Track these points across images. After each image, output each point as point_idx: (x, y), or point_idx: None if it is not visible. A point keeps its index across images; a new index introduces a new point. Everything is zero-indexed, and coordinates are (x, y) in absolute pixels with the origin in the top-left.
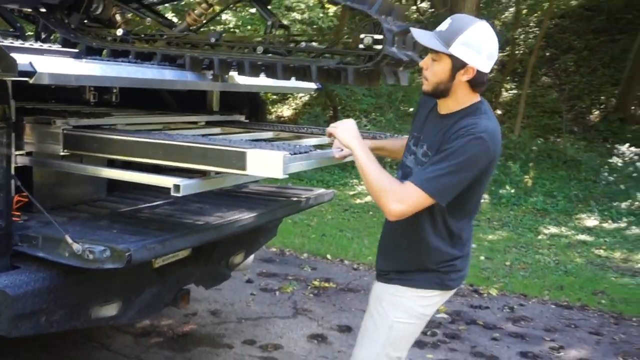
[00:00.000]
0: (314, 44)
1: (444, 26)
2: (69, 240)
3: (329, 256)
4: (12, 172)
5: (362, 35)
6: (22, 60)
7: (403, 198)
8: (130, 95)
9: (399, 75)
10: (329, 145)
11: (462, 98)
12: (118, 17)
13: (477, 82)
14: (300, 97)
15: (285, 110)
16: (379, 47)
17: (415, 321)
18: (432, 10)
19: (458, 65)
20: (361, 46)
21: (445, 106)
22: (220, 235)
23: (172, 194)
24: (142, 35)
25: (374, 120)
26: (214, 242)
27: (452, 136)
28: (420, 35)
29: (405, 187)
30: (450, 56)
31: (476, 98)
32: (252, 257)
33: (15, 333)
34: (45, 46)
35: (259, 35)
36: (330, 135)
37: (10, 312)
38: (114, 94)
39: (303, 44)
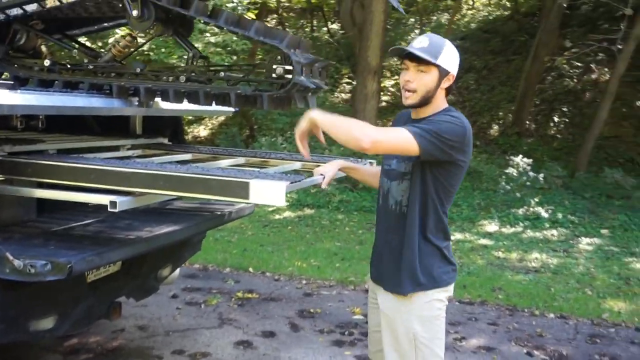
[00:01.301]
0: (231, 74)
1: (423, 43)
2: (10, 257)
3: (251, 269)
4: None
5: (274, 66)
6: None
7: (381, 129)
8: (55, 121)
9: (308, 100)
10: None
11: (438, 104)
12: (43, 48)
13: (451, 88)
14: (216, 118)
15: (202, 131)
16: (289, 76)
17: (434, 322)
18: (342, 32)
19: (444, 73)
20: (274, 75)
21: (422, 112)
22: (151, 247)
23: (109, 209)
24: (68, 65)
25: (289, 139)
26: (143, 256)
27: (431, 119)
28: (415, 50)
29: (386, 128)
30: (438, 67)
31: (446, 104)
32: (177, 271)
33: None
34: None
35: (181, 65)
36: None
37: None
38: (40, 120)
39: (222, 74)
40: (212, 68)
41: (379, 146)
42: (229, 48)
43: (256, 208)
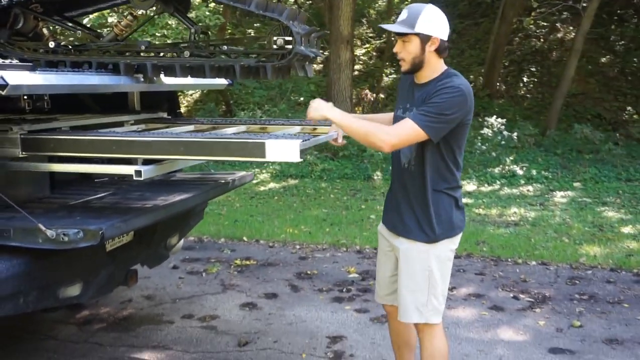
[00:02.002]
0: (233, 47)
1: (403, 16)
2: (42, 228)
3: (245, 238)
4: None
5: (274, 38)
6: None
7: (392, 131)
8: (57, 101)
9: (306, 68)
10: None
11: (434, 66)
12: (45, 31)
13: (441, 49)
14: (191, 94)
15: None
16: (289, 47)
17: (446, 263)
18: (310, 2)
19: (425, 39)
20: (275, 46)
21: (423, 76)
22: (168, 214)
23: (135, 178)
24: (70, 47)
25: (267, 112)
26: (154, 226)
27: (434, 93)
28: (390, 27)
29: (399, 123)
30: (418, 34)
31: (444, 66)
32: (182, 240)
33: (0, 313)
34: (4, 62)
35: (184, 41)
36: (311, 119)
37: None
38: (46, 101)
39: (225, 47)
40: (212, 42)
41: (396, 147)
42: (200, 23)
43: None
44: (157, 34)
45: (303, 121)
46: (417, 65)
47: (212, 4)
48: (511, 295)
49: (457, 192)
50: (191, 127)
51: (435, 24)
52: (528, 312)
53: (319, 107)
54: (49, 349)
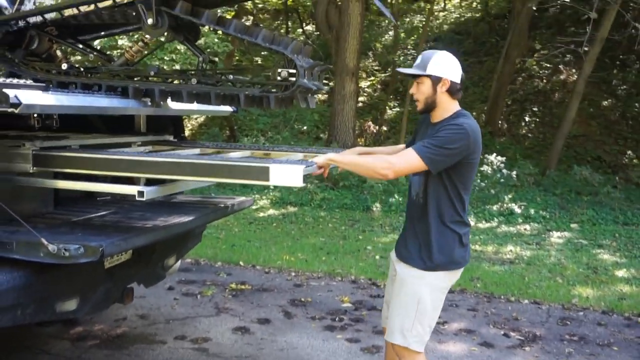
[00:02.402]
0: (238, 76)
1: (418, 61)
2: (45, 242)
3: (241, 263)
4: None
5: (279, 70)
6: (10, 94)
7: (395, 159)
8: (65, 120)
9: (308, 100)
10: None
11: (446, 106)
12: (58, 52)
13: (453, 90)
14: (196, 118)
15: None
16: (293, 79)
17: (439, 294)
18: (317, 33)
19: (436, 80)
20: (279, 78)
21: (435, 116)
22: (168, 234)
23: (137, 198)
24: (82, 69)
25: (271, 139)
26: (152, 246)
27: (440, 129)
28: (404, 70)
29: (403, 151)
30: (429, 76)
31: (457, 107)
32: (179, 261)
33: None
34: (19, 81)
35: (191, 68)
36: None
37: None
38: (55, 119)
39: (231, 76)
40: (219, 71)
41: (398, 173)
42: (208, 50)
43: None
44: (165, 58)
45: (306, 149)
46: (430, 105)
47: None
48: (502, 332)
49: (462, 228)
50: (197, 150)
51: (445, 66)
52: (518, 350)
53: (322, 159)
54: None
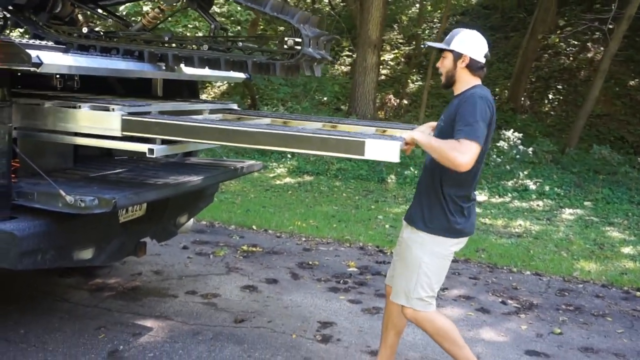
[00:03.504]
0: (248, 44)
1: (447, 37)
2: (63, 193)
3: (254, 227)
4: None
5: (285, 38)
6: (32, 54)
7: (463, 150)
8: (86, 82)
9: (314, 69)
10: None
11: (465, 81)
12: (80, 17)
13: (474, 67)
14: (219, 87)
15: (205, 98)
16: (298, 47)
17: (440, 260)
18: (344, 4)
19: (457, 56)
20: (285, 46)
21: (456, 89)
22: (178, 191)
23: (147, 155)
24: (102, 33)
25: (290, 109)
26: (165, 203)
27: (461, 105)
28: (432, 44)
29: (460, 143)
30: (452, 51)
31: (477, 81)
32: (192, 220)
33: (20, 267)
34: (40, 42)
35: (203, 35)
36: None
37: (17, 249)
38: (76, 81)
39: (240, 44)
40: (230, 39)
41: (469, 164)
42: (232, 18)
43: (257, 174)
44: (189, 25)
45: (375, 123)
46: (451, 79)
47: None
48: (500, 300)
49: (466, 200)
50: (268, 120)
51: (468, 43)
52: (513, 316)
53: (411, 132)
54: (61, 310)
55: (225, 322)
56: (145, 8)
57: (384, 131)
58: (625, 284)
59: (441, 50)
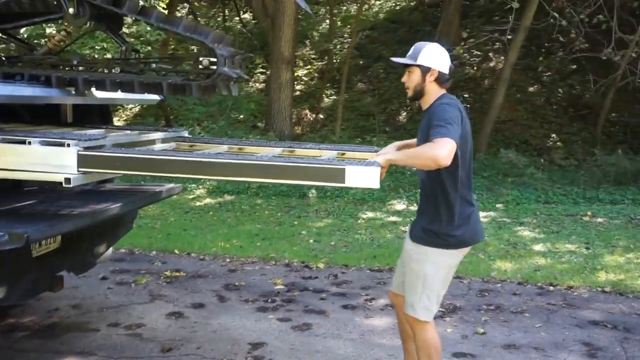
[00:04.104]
0: (162, 65)
1: (410, 51)
2: None
3: (176, 251)
4: None
5: (200, 58)
6: None
7: (439, 146)
8: None
9: (230, 88)
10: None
11: (434, 94)
12: None
13: (441, 80)
14: (131, 108)
15: (117, 122)
16: (214, 67)
17: (444, 270)
18: (255, 21)
19: (425, 70)
20: (200, 67)
21: (425, 102)
22: (95, 220)
23: (64, 185)
24: (3, 58)
25: (207, 128)
26: (81, 234)
27: (432, 113)
28: (397, 59)
29: (434, 142)
30: (419, 66)
31: (443, 92)
32: (111, 249)
33: None
34: None
35: (114, 58)
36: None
37: None
38: None
39: (154, 65)
40: (142, 60)
41: (448, 157)
42: (142, 38)
43: (176, 196)
44: (96, 47)
45: (334, 146)
46: (419, 93)
47: None
48: None
49: (466, 208)
50: (225, 148)
51: (434, 57)
52: (438, 321)
53: (383, 153)
54: None
55: (152, 353)
56: (48, 30)
57: (343, 154)
58: (539, 280)
59: (406, 65)
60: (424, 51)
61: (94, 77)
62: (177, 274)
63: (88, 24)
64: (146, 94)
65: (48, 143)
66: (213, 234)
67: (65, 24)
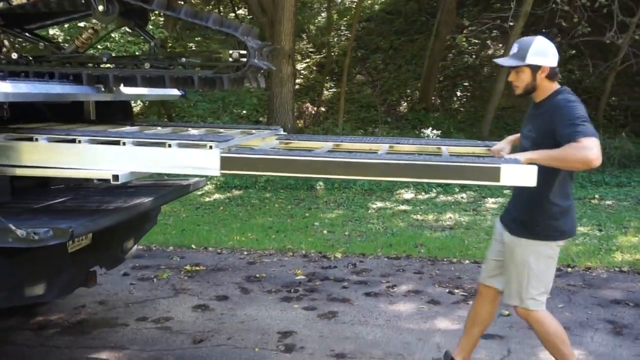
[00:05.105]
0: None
1: (514, 49)
2: (13, 227)
3: (193, 246)
4: None
5: (230, 51)
6: None
7: (589, 147)
8: (16, 110)
9: (258, 80)
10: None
11: (546, 88)
12: (6, 42)
13: (552, 75)
14: (133, 106)
15: None
16: (244, 59)
17: (546, 260)
18: (251, 17)
19: (536, 69)
20: (230, 59)
21: (537, 96)
22: (132, 215)
23: (112, 182)
24: (31, 57)
25: (211, 125)
26: (112, 229)
27: (554, 113)
28: (503, 62)
29: (581, 142)
30: (529, 65)
31: (556, 85)
32: (136, 245)
33: None
34: None
35: (142, 53)
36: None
37: None
38: (5, 109)
39: (183, 59)
40: (171, 55)
41: (599, 158)
42: (141, 37)
43: None
44: (99, 46)
45: (442, 141)
46: (530, 91)
47: (154, 17)
48: (447, 290)
49: (564, 200)
50: (330, 145)
51: (543, 54)
52: (462, 304)
53: (521, 154)
54: (6, 354)
55: (184, 345)
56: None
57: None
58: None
59: (512, 67)
60: (531, 49)
61: (124, 73)
62: (197, 268)
63: (116, 21)
64: (177, 88)
65: (188, 145)
66: (227, 228)
67: (93, 21)
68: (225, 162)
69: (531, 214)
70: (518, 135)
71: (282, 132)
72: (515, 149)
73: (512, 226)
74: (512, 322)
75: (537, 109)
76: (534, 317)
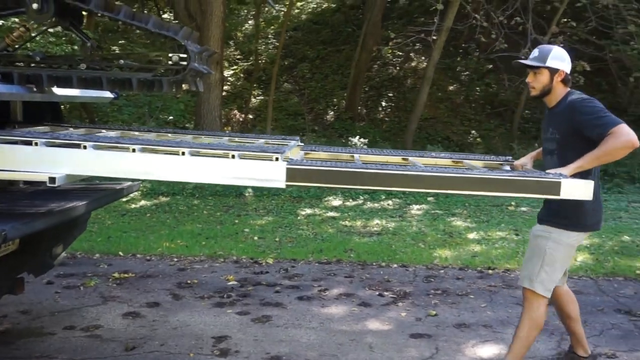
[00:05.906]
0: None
1: (535, 53)
2: None
3: (121, 253)
4: None
5: (170, 54)
6: None
7: (624, 132)
8: None
9: (197, 84)
10: None
11: (559, 92)
12: None
13: (566, 80)
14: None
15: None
16: (184, 63)
17: (565, 248)
18: (176, 21)
19: (554, 72)
20: (170, 62)
21: (551, 101)
22: (65, 218)
23: (48, 184)
24: None
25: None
26: (40, 235)
27: (573, 112)
28: (526, 61)
29: (615, 131)
30: (548, 68)
31: (567, 89)
32: (65, 251)
33: None
34: None
35: (77, 54)
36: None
37: None
38: None
39: (121, 61)
40: (108, 57)
41: (636, 138)
42: (64, 38)
43: None
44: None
45: (469, 155)
46: (545, 92)
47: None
48: (377, 293)
49: (596, 196)
50: (356, 156)
51: (562, 59)
52: (392, 306)
53: (566, 167)
54: None
55: (115, 352)
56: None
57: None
58: (478, 265)
59: (533, 67)
60: (552, 54)
61: (58, 73)
62: (126, 275)
63: (50, 21)
64: (115, 90)
65: (253, 157)
66: (155, 235)
67: (25, 19)
68: (290, 174)
69: (561, 205)
70: (539, 150)
71: (301, 143)
72: (536, 164)
73: (540, 216)
74: (439, 321)
75: (553, 111)
76: (536, 302)
